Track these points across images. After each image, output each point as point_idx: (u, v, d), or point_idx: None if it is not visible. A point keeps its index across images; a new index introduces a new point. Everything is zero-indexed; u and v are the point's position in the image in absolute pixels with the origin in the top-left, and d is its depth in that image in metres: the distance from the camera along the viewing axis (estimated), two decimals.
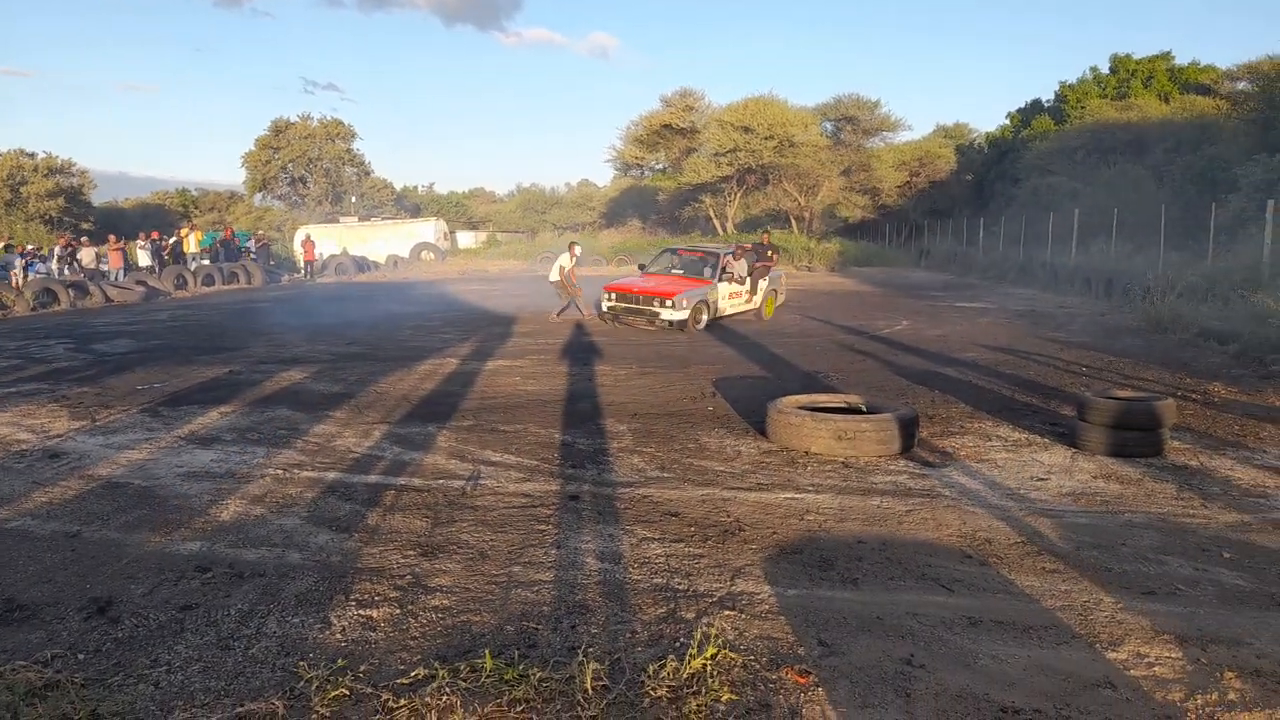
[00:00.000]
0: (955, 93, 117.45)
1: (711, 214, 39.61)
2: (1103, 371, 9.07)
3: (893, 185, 40.53)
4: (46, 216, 37.73)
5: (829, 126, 39.95)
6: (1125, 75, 35.84)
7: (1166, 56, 35.51)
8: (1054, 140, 33.48)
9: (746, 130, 35.37)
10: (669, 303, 12.84)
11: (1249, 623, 3.29)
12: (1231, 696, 2.76)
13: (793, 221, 39.60)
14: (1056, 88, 39.36)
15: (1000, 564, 3.88)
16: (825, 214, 41.28)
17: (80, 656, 3.03)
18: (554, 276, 15.21)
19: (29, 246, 23.56)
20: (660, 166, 44.33)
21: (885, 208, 41.25)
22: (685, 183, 38.84)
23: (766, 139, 35.25)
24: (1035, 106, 40.56)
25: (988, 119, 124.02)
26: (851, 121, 39.52)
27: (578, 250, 15.16)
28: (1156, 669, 2.94)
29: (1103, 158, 28.92)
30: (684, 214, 41.01)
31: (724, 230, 38.58)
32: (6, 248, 21.77)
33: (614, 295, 13.63)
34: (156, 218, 42.47)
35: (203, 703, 2.71)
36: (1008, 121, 42.31)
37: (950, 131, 46.79)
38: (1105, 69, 37.29)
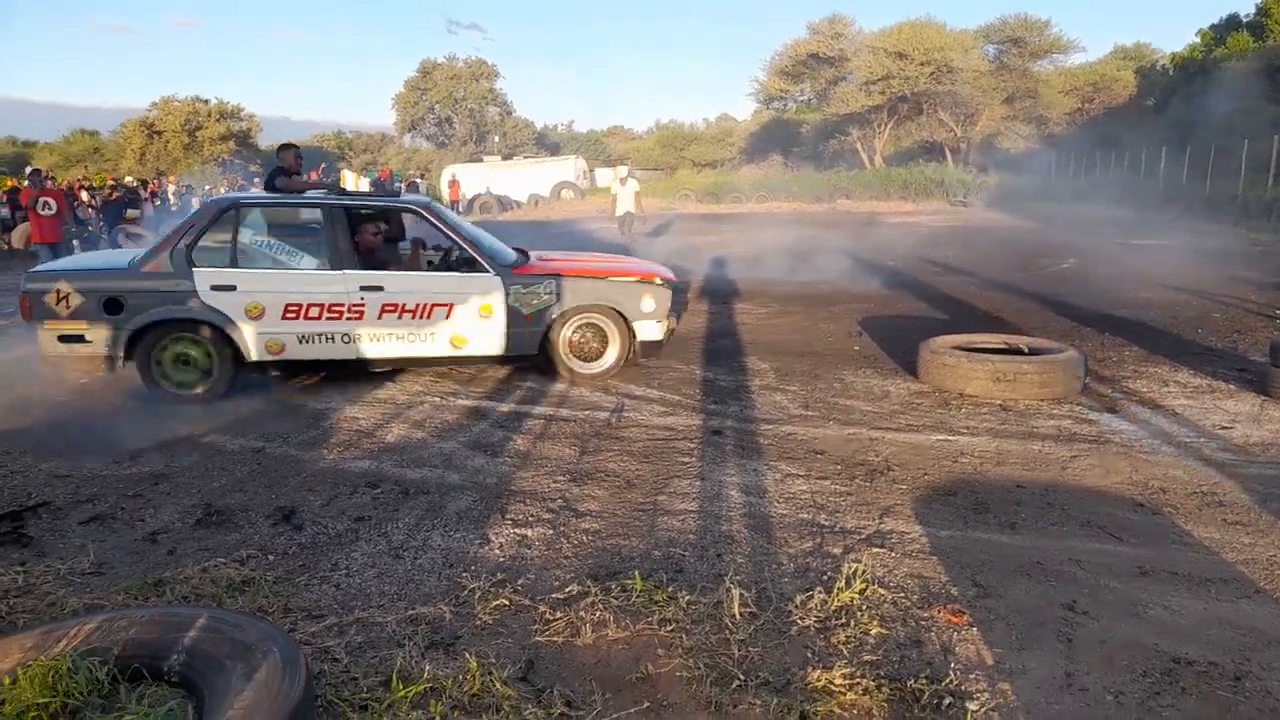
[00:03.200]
0: (1137, 9, 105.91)
1: (859, 147, 37.99)
2: None
3: (1061, 113, 37.49)
4: (220, 159, 40.69)
5: (991, 50, 37.19)
6: None
7: None
8: (1253, 59, 29.89)
9: (900, 56, 33.50)
10: None
11: None
12: None
13: (947, 154, 37.46)
14: (1258, 0, 35.09)
15: (1176, 514, 3.63)
16: (984, 145, 38.77)
17: (270, 558, 3.33)
18: (631, 206, 16.27)
19: (207, 187, 25.67)
20: (805, 98, 42.77)
21: (1053, 137, 38.29)
22: (832, 114, 37.33)
23: (922, 65, 33.28)
24: (1231, 22, 36.29)
25: (1174, 38, 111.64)
26: (1017, 44, 36.59)
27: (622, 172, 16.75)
28: None
29: None
30: (829, 147, 39.53)
31: (871, 164, 36.98)
32: (189, 188, 23.78)
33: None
34: (316, 159, 44.94)
35: (378, 604, 2.94)
36: (1198, 40, 38.07)
37: (1130, 53, 42.52)
38: None
